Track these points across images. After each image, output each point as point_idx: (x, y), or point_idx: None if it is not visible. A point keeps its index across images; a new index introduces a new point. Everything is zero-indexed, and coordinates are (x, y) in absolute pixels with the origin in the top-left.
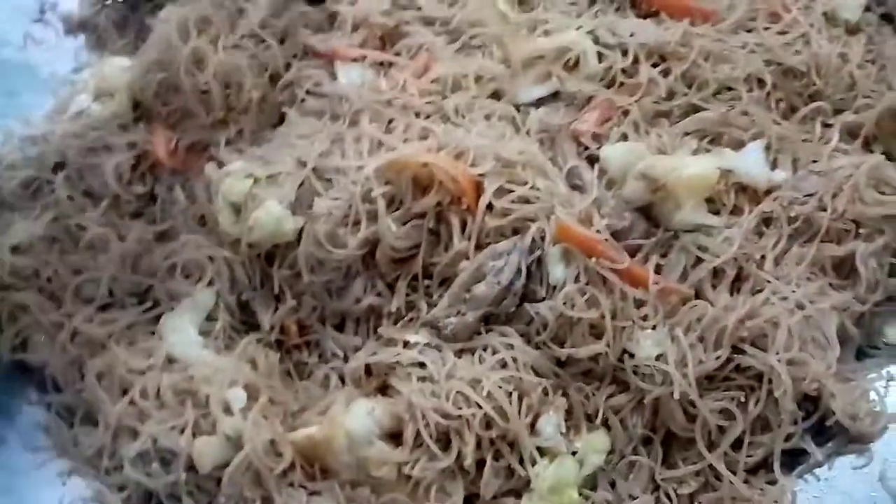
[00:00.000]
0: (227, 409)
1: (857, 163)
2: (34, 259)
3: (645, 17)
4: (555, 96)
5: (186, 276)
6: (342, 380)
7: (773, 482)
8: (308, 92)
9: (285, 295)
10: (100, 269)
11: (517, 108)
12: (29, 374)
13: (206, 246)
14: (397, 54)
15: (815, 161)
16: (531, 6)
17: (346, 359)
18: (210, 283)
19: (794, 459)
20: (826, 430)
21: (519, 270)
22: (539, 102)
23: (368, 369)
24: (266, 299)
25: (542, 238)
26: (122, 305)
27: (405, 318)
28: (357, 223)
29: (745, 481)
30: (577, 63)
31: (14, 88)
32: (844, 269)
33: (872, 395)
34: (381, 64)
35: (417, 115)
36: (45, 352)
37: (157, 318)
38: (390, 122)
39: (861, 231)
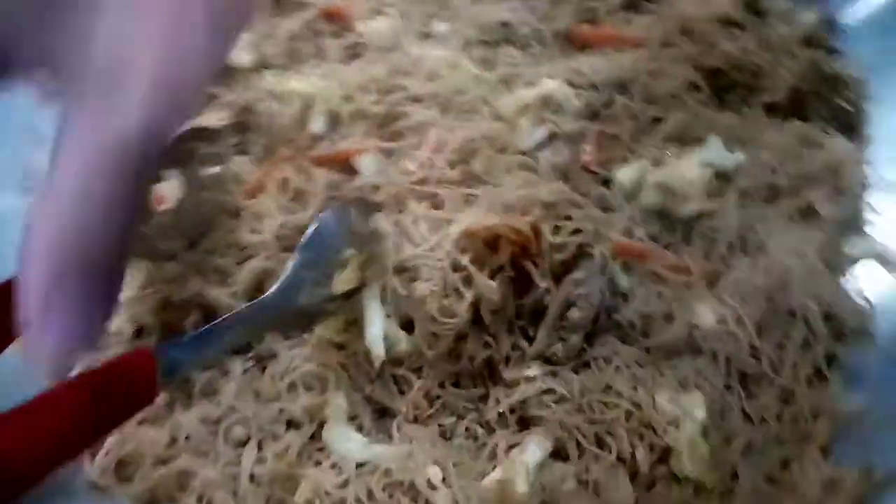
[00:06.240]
0: (432, 486)
1: (785, 131)
2: None
3: (581, 50)
4: (551, 137)
5: (309, 390)
6: (483, 428)
7: (824, 380)
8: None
9: (408, 379)
10: (240, 410)
11: (525, 154)
12: None
13: (311, 358)
14: (398, 134)
15: (754, 137)
16: (493, 65)
17: (477, 410)
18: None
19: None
20: (844, 334)
21: (601, 291)
22: (540, 146)
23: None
24: (388, 388)
25: (605, 259)
26: (275, 436)
27: (514, 360)
28: (457, 290)
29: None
30: (559, 105)
31: None
32: (809, 214)
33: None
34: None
35: (453, 183)
36: None
37: (312, 436)
38: (434, 196)
39: (809, 181)
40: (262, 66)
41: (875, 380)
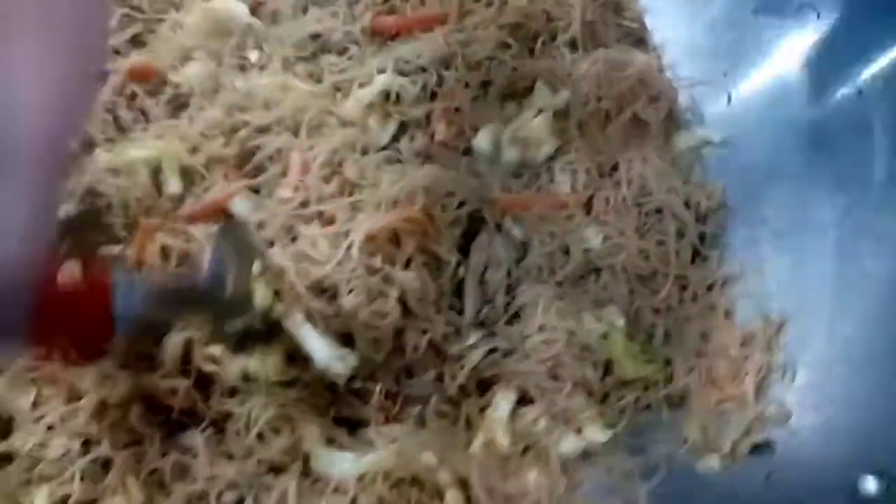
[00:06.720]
0: (432, 469)
1: (592, 61)
2: None
3: (394, 40)
4: (402, 126)
5: (278, 434)
6: (449, 404)
7: (705, 259)
8: None
9: (366, 388)
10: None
11: (386, 149)
12: None
13: (267, 406)
14: (260, 168)
15: (570, 74)
16: (321, 76)
17: (438, 391)
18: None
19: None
20: (704, 213)
21: (504, 247)
22: (396, 137)
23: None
24: (350, 404)
25: (496, 218)
26: (267, 487)
27: (453, 335)
28: (380, 292)
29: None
30: (397, 96)
31: None
32: (638, 125)
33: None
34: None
35: (334, 197)
36: None
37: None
38: (321, 214)
39: (628, 98)
40: (88, 145)
41: (737, 240)
